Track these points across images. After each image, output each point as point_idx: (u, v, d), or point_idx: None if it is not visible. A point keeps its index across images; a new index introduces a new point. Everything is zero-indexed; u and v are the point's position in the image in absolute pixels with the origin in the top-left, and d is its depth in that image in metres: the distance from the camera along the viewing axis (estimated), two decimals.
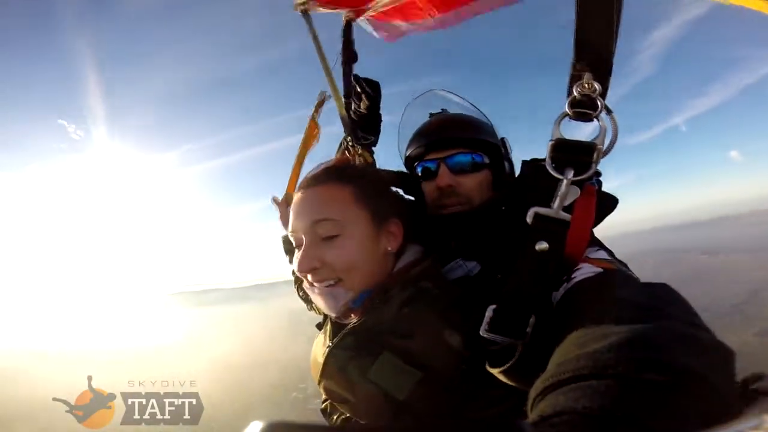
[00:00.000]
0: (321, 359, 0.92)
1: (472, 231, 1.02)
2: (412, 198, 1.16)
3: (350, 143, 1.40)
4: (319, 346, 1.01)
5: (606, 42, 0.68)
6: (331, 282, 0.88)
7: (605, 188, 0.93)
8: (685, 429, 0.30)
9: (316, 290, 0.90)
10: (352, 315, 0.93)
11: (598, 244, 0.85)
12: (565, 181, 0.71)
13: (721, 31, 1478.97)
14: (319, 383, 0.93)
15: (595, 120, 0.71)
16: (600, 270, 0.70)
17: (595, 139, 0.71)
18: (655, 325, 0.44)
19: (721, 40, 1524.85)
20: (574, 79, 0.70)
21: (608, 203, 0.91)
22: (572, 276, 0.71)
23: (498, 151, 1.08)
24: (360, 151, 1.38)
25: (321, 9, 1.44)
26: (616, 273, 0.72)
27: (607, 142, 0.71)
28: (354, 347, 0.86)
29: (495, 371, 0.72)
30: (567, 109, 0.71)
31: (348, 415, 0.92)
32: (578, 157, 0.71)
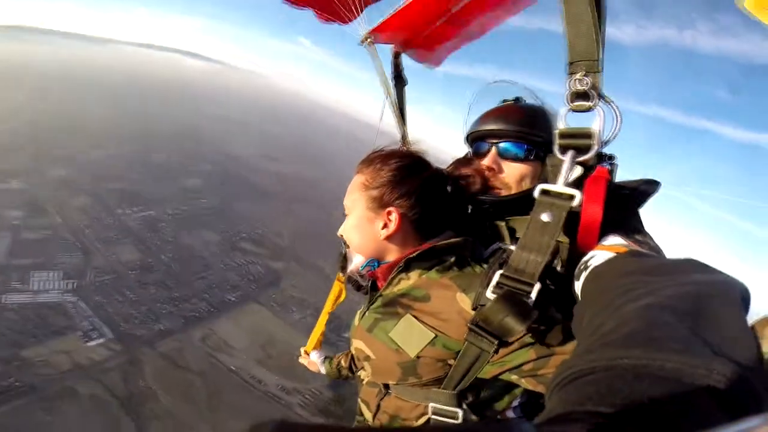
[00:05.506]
0: (357, 322, 1.13)
1: (500, 215, 1.15)
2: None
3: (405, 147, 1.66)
4: (359, 312, 1.17)
5: (591, 42, 0.77)
6: (348, 248, 1.13)
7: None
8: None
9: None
10: (372, 277, 1.12)
11: (622, 228, 0.87)
12: (566, 161, 0.83)
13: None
14: (351, 345, 1.09)
15: (594, 110, 0.80)
16: (612, 255, 0.75)
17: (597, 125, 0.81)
18: (667, 308, 0.45)
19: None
20: (570, 77, 0.80)
21: (640, 187, 0.96)
22: (588, 264, 0.76)
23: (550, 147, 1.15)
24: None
25: (382, 43, 1.74)
26: (627, 255, 0.75)
27: (616, 127, 0.82)
28: (382, 310, 1.02)
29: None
30: (567, 104, 0.82)
31: (369, 378, 1.08)
32: (577, 141, 0.82)
